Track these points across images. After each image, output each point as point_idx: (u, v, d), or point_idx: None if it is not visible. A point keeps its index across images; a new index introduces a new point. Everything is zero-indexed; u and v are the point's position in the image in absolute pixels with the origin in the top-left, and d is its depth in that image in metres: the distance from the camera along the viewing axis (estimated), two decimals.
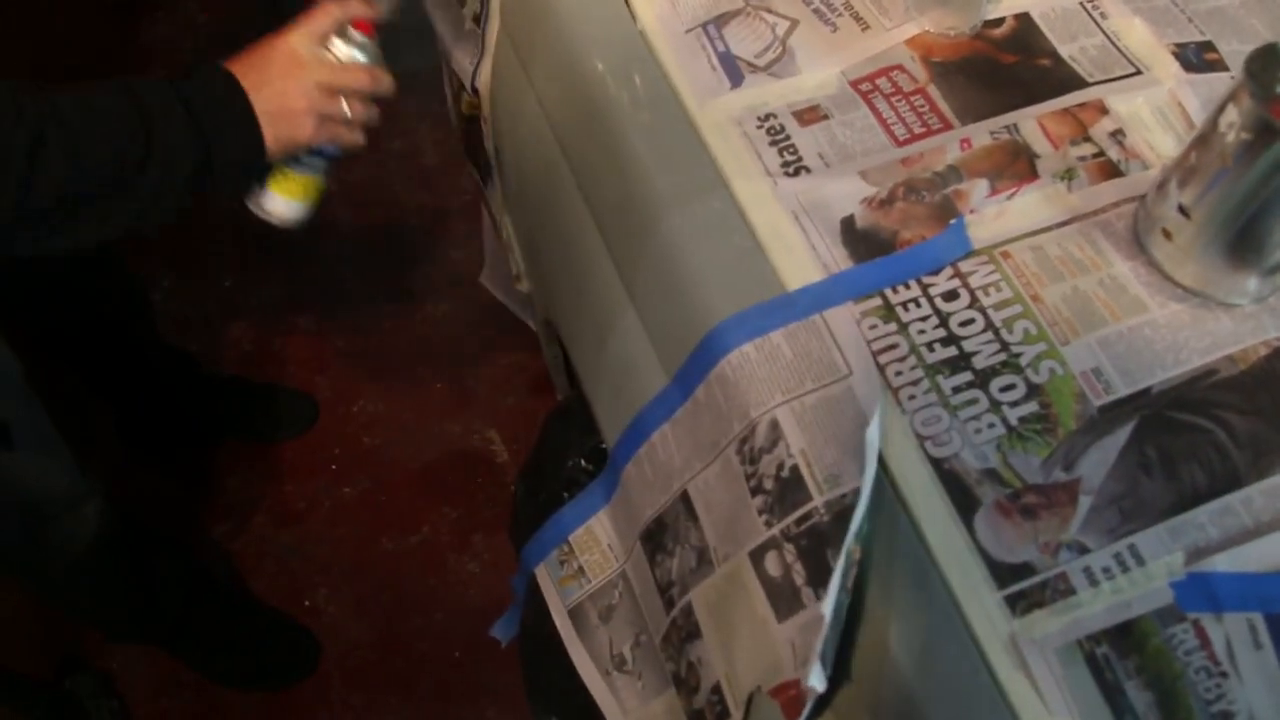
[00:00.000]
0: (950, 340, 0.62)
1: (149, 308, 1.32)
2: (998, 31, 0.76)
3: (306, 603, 1.38)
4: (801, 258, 0.66)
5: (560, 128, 0.83)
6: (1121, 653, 0.52)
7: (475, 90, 0.96)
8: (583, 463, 0.81)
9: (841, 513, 0.57)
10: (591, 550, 0.75)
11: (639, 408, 0.68)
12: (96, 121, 0.68)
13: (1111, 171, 0.69)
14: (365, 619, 1.37)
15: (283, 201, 0.83)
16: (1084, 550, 0.55)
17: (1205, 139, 0.60)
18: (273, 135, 0.76)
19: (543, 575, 0.78)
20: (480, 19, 0.93)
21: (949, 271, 0.65)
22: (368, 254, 1.64)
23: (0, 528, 0.96)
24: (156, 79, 0.73)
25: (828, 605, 0.52)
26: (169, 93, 0.72)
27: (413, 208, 1.68)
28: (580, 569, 0.75)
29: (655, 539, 0.68)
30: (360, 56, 0.80)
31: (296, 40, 0.77)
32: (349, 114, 0.79)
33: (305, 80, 0.76)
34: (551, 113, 0.84)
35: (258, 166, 0.79)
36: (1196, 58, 0.74)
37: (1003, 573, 0.55)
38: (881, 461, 0.58)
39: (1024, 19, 0.77)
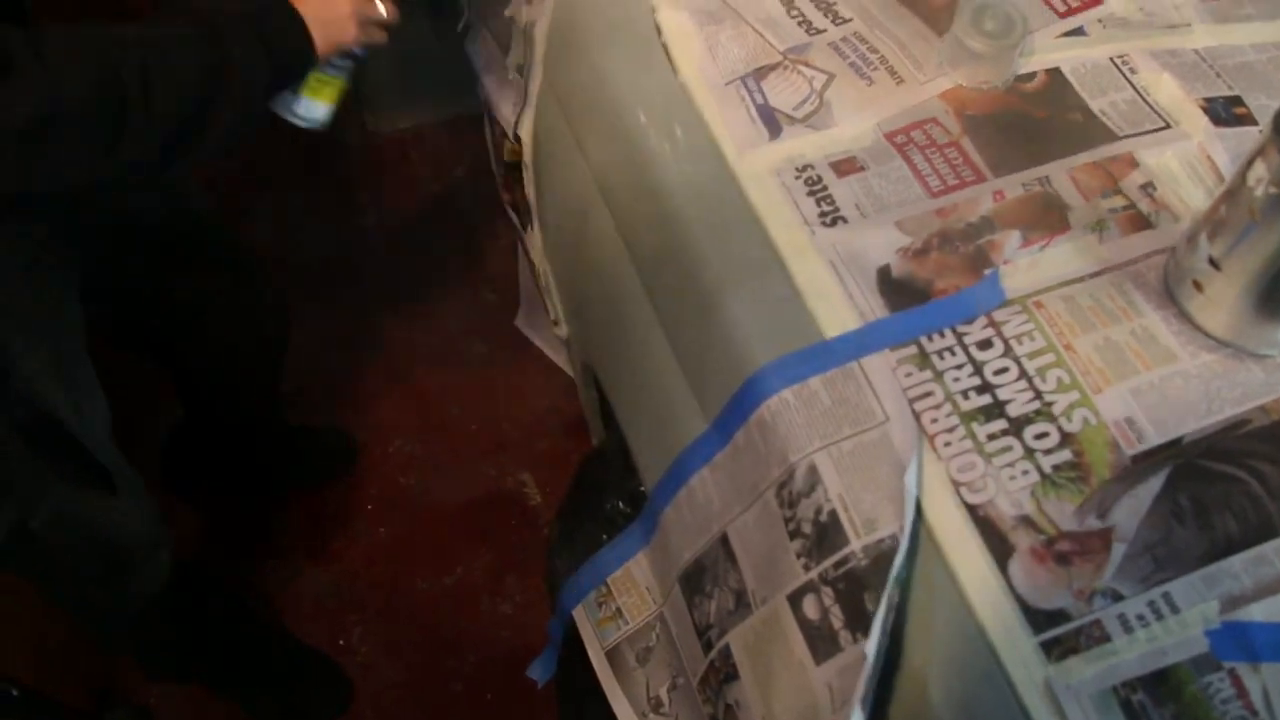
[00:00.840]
0: (985, 388, 0.64)
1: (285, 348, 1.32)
2: (1029, 86, 0.79)
3: (341, 641, 1.40)
4: (839, 306, 0.68)
5: (602, 176, 0.86)
6: (1157, 700, 0.54)
7: (518, 138, 0.99)
8: (621, 505, 0.83)
9: (879, 557, 0.58)
10: (630, 592, 0.77)
11: (678, 451, 0.70)
12: (183, 48, 0.74)
13: (1142, 223, 0.71)
14: (399, 659, 1.39)
15: (316, 105, 0.86)
16: (1118, 597, 0.56)
17: (1234, 193, 0.62)
18: (322, 40, 0.81)
19: (581, 616, 0.80)
20: (524, 70, 0.97)
21: (983, 321, 0.67)
22: (403, 295, 1.68)
23: (83, 570, 0.99)
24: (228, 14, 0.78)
25: (871, 645, 0.53)
26: (234, 5, 0.78)
27: (449, 251, 1.72)
28: (618, 610, 0.77)
29: (694, 581, 0.70)
30: None
31: None
32: (384, 13, 0.85)
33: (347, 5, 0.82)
34: (594, 162, 0.87)
35: (306, 71, 0.84)
36: (1225, 112, 0.76)
37: (1038, 618, 0.56)
38: (918, 507, 0.60)
39: (1055, 74, 0.79)
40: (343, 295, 1.66)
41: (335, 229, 1.74)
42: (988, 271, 0.69)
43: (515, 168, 1.05)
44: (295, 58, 0.81)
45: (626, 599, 0.77)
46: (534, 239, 1.06)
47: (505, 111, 1.03)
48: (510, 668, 1.30)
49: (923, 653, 0.58)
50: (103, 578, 1.01)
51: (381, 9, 0.85)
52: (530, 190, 1.03)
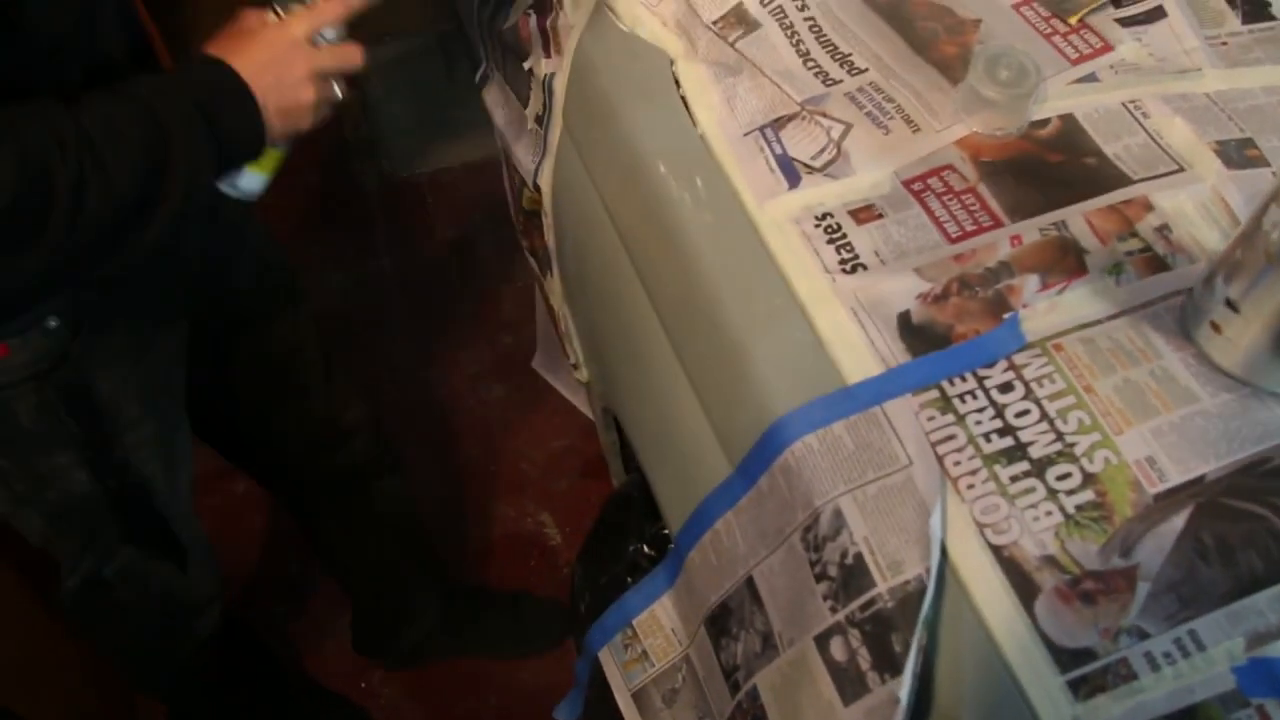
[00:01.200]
0: (1007, 430, 0.65)
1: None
2: (1043, 132, 0.81)
3: (363, 685, 1.41)
4: (861, 352, 0.70)
5: (623, 225, 0.88)
6: None
7: (537, 187, 1.02)
8: (644, 548, 0.84)
9: (905, 599, 0.59)
10: (655, 634, 0.78)
11: (702, 495, 0.72)
12: (123, 147, 0.68)
13: (1158, 266, 0.72)
14: (420, 701, 1.40)
15: (254, 178, 0.83)
16: (1144, 635, 0.57)
17: (1249, 236, 0.64)
18: (280, 130, 0.78)
19: (607, 658, 0.81)
20: (542, 120, 1.00)
21: (1004, 364, 0.68)
22: (420, 338, 1.70)
23: (145, 621, 1.02)
24: (171, 83, 0.74)
25: (904, 690, 0.54)
26: (186, 104, 0.73)
27: (465, 295, 1.75)
28: (644, 653, 0.78)
29: (720, 623, 0.71)
30: (333, 36, 0.82)
31: (299, 31, 0.78)
32: (340, 95, 0.82)
33: (311, 73, 0.78)
34: (614, 211, 0.89)
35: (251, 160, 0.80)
36: (1238, 154, 0.78)
37: (1064, 658, 0.57)
38: (943, 549, 0.61)
39: (1069, 119, 0.81)
40: (360, 339, 1.68)
41: (352, 273, 1.77)
42: (1007, 315, 0.70)
43: (534, 215, 1.07)
44: (245, 150, 0.78)
45: (652, 641, 0.78)
46: (553, 285, 1.08)
47: (524, 161, 1.05)
48: (530, 709, 1.30)
49: (952, 694, 0.59)
50: (162, 628, 1.03)
51: (338, 91, 0.82)
52: (550, 238, 1.05)
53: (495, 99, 1.15)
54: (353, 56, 0.81)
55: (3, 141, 0.63)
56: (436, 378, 1.66)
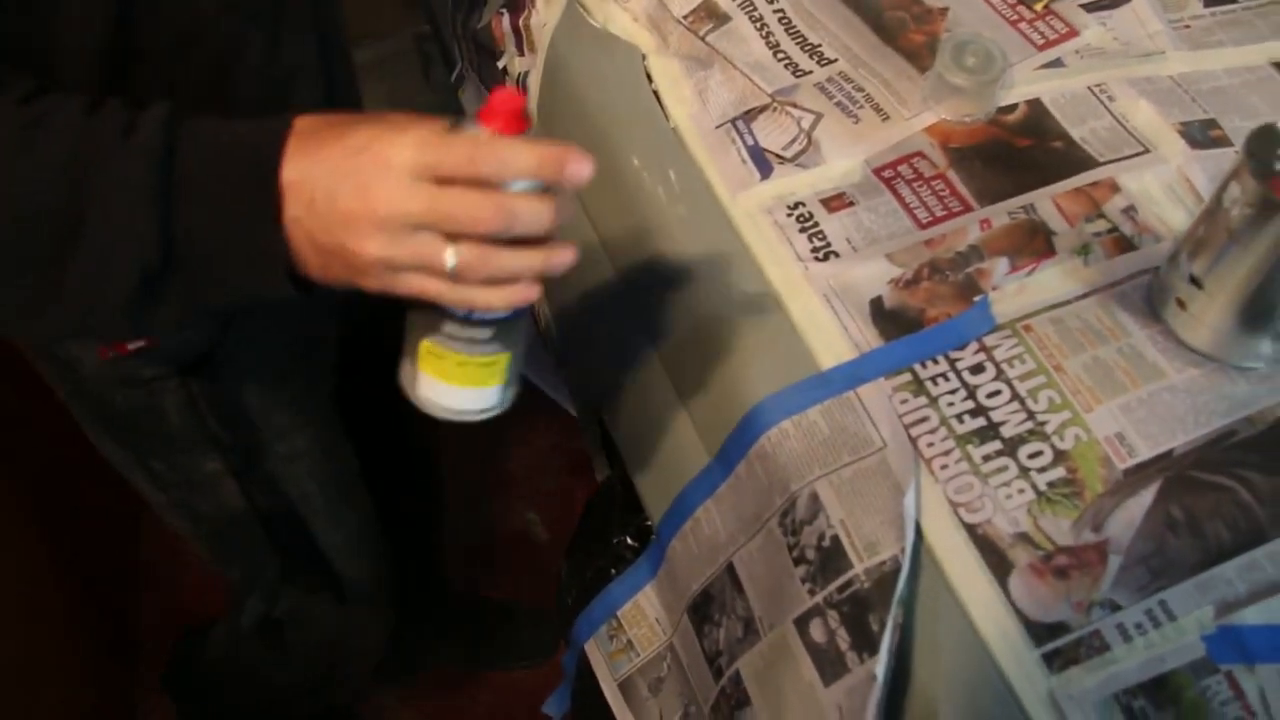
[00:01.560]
0: (979, 411, 0.66)
1: None
2: (1011, 117, 0.82)
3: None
4: (834, 338, 0.71)
5: (599, 219, 0.89)
6: (1158, 705, 0.56)
7: None
8: (628, 540, 0.85)
9: (881, 579, 0.60)
10: (640, 624, 0.78)
11: (682, 485, 0.73)
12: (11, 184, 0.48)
13: (1125, 246, 0.74)
14: (411, 703, 1.40)
15: (438, 386, 0.57)
16: (1116, 608, 0.58)
17: (1211, 214, 0.65)
18: (325, 274, 0.51)
19: (593, 649, 0.82)
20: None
21: (974, 346, 0.69)
22: (401, 341, 1.70)
23: (310, 665, 1.00)
24: (150, 119, 0.49)
25: (879, 667, 0.55)
26: (139, 161, 0.48)
27: None
28: (629, 643, 0.79)
29: (702, 611, 0.72)
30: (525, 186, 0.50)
31: (402, 155, 0.48)
32: (451, 264, 0.49)
33: (378, 229, 0.48)
34: (590, 205, 0.90)
35: (300, 297, 0.53)
36: (1201, 135, 0.79)
37: (1039, 631, 0.58)
38: (918, 529, 0.62)
39: (1035, 104, 0.82)
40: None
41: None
42: (977, 298, 0.71)
43: None
44: (247, 280, 0.52)
45: (637, 631, 0.79)
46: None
47: None
48: (520, 704, 1.31)
49: (929, 671, 0.60)
50: (325, 672, 1.02)
51: (449, 257, 0.49)
52: None
53: (472, 99, 1.16)
54: (501, 218, 0.48)
55: None
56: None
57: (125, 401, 0.77)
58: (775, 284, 0.74)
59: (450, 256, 0.48)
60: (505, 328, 0.55)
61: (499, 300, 0.51)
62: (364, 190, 0.47)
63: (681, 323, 0.77)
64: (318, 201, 0.48)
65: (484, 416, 0.59)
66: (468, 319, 0.54)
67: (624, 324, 0.84)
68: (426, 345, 0.56)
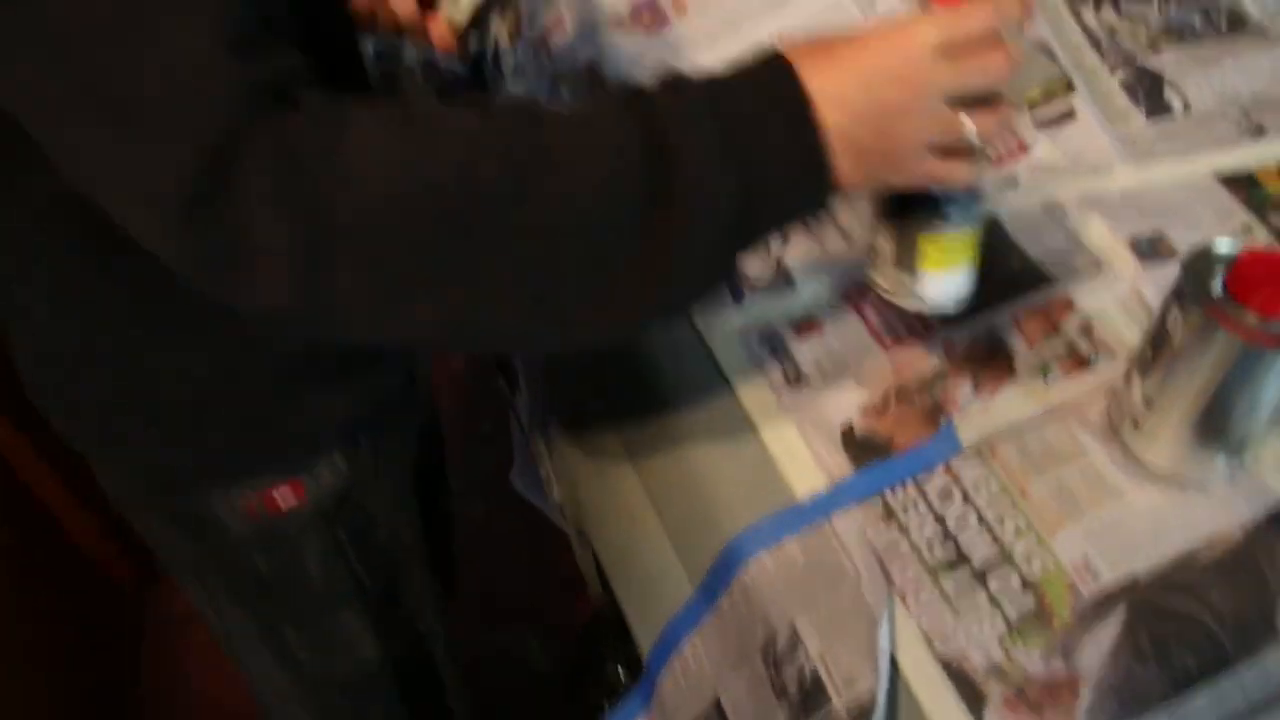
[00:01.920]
0: (948, 538, 0.68)
1: None
2: None
3: None
4: (807, 466, 0.73)
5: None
6: None
7: None
8: (620, 671, 0.85)
9: (859, 713, 0.62)
10: None
11: (669, 615, 0.74)
12: (584, 166, 0.49)
13: (1083, 364, 0.76)
14: None
15: (945, 278, 0.66)
16: None
17: (1156, 335, 0.67)
18: (856, 178, 0.55)
19: None
20: None
21: (942, 470, 0.71)
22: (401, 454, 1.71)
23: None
24: (689, 91, 0.52)
25: None
26: (705, 125, 0.51)
27: (440, 411, 1.76)
28: None
29: None
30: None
31: (927, 37, 0.53)
32: (975, 138, 0.56)
33: (923, 110, 0.54)
34: None
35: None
36: (1149, 249, 0.82)
37: None
38: (894, 662, 0.63)
39: (993, 224, 0.85)
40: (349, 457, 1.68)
41: None
42: (944, 421, 0.73)
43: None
44: (799, 206, 0.56)
45: None
46: (523, 402, 1.11)
47: None
48: None
49: None
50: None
51: (972, 130, 0.56)
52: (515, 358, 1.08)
53: None
54: (1004, 65, 0.55)
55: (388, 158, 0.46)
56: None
57: (266, 563, 0.74)
58: (750, 410, 0.76)
59: (969, 124, 0.55)
60: (983, 199, 0.65)
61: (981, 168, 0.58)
62: (900, 78, 0.53)
63: (662, 450, 0.79)
64: (855, 101, 0.53)
65: (955, 303, 0.68)
66: (966, 198, 0.62)
67: (607, 449, 0.85)
68: (928, 241, 0.64)
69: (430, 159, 0.47)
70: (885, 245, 0.67)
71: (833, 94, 0.53)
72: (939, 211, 0.63)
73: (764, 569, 0.68)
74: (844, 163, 0.54)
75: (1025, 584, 0.66)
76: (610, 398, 0.85)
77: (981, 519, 0.69)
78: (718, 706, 0.69)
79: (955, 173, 0.57)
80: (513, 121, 0.50)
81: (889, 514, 0.70)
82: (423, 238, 0.47)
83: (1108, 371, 0.75)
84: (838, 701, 0.63)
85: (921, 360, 0.77)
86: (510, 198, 0.48)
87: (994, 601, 0.65)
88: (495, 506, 1.62)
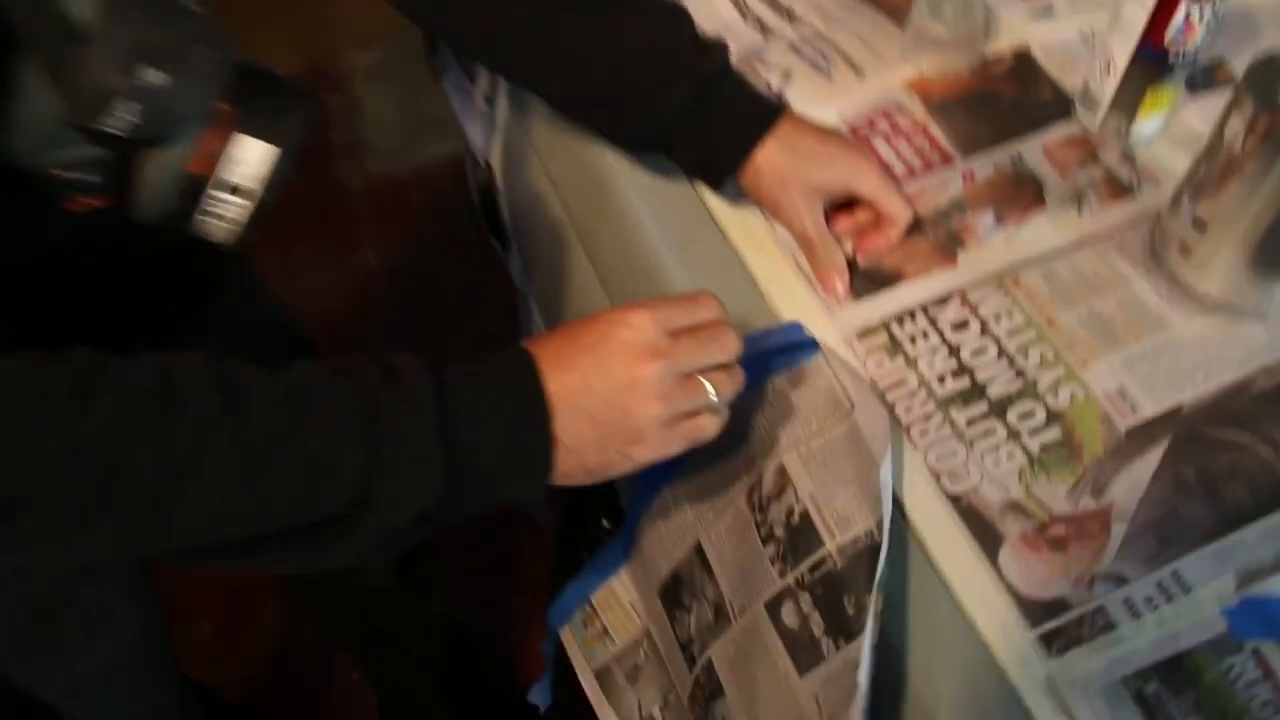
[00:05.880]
0: (962, 371, 0.57)
1: None
2: (998, 67, 0.72)
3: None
4: (801, 300, 0.62)
5: (566, 196, 0.80)
6: (1175, 689, 0.46)
7: (488, 165, 0.95)
8: (604, 523, 0.76)
9: (855, 557, 0.51)
10: (614, 609, 0.70)
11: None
12: (298, 453, 0.42)
13: (1122, 192, 0.64)
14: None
15: None
16: (1122, 580, 0.49)
17: (1213, 152, 0.56)
18: (592, 462, 0.49)
19: (568, 637, 0.73)
20: (490, 99, 0.92)
21: (957, 301, 0.60)
22: (407, 335, 1.63)
23: None
24: (413, 389, 0.45)
25: (863, 674, 0.47)
26: (426, 432, 0.44)
27: (451, 286, 1.67)
28: (604, 629, 0.70)
29: (673, 595, 0.63)
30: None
31: (646, 316, 0.49)
32: (714, 397, 0.49)
33: (653, 398, 0.48)
34: (558, 182, 0.82)
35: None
36: (1204, 78, 0.70)
37: (1035, 611, 0.49)
38: (897, 502, 0.53)
39: (1024, 54, 0.73)
40: (344, 336, 1.61)
41: (336, 272, 1.71)
42: (959, 252, 0.62)
43: (491, 195, 1.00)
44: (495, 497, 0.48)
45: (611, 616, 0.70)
46: (515, 262, 1.01)
47: (476, 140, 0.98)
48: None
49: (919, 660, 0.50)
50: None
51: (711, 390, 0.49)
52: (505, 215, 0.98)
53: (452, 83, 1.08)
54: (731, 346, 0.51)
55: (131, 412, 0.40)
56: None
57: None
58: (739, 244, 0.65)
59: (709, 389, 0.49)
60: None
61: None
62: (629, 358, 0.47)
63: (648, 294, 0.68)
64: (594, 388, 0.47)
65: None
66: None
67: (592, 302, 0.75)
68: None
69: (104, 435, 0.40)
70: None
71: (565, 387, 0.47)
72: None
73: (749, 407, 0.58)
74: (580, 450, 0.48)
75: (1051, 416, 0.54)
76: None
77: (1002, 350, 0.57)
78: (699, 553, 0.59)
79: (704, 432, 0.50)
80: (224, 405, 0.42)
81: (894, 346, 0.58)
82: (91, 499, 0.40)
83: (1152, 199, 0.63)
84: (830, 544, 0.52)
85: (937, 191, 0.66)
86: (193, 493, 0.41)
87: (1013, 435, 0.54)
88: None
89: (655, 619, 0.66)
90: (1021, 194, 0.65)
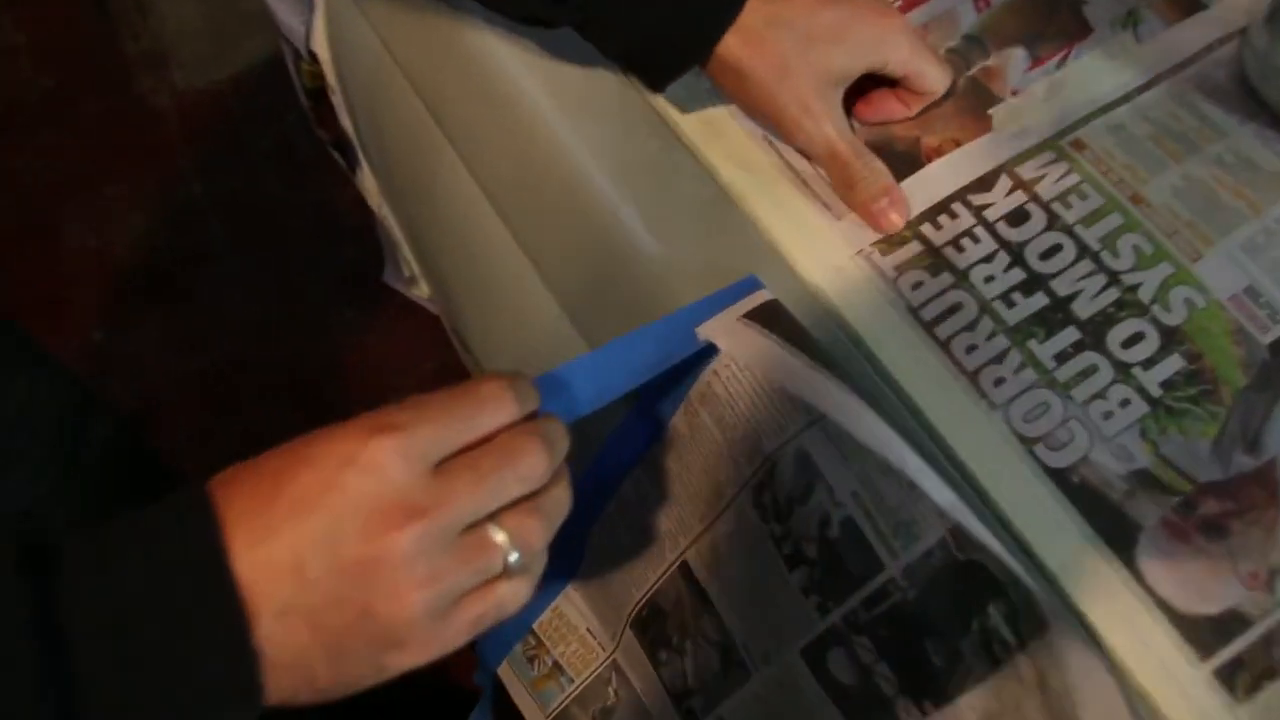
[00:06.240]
0: (1033, 282, 0.40)
1: None
2: None
3: None
4: (786, 200, 0.43)
5: (421, 79, 0.59)
6: None
7: (313, 56, 0.71)
8: None
9: (934, 578, 0.35)
10: (567, 639, 0.53)
11: (594, 450, 0.45)
12: None
13: (1190, 4, 0.47)
14: None
15: None
16: None
17: None
18: (323, 676, 0.30)
19: (509, 678, 0.56)
20: None
21: (1006, 183, 0.42)
22: (250, 269, 1.38)
23: None
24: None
25: None
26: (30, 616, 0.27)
27: (295, 210, 1.41)
28: (557, 665, 0.53)
29: (652, 629, 0.46)
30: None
31: (390, 446, 0.30)
32: (514, 557, 0.32)
33: (410, 581, 0.30)
34: (408, 66, 0.60)
35: None
36: None
37: (1200, 632, 0.34)
38: (975, 486, 0.36)
39: None
40: (182, 289, 1.35)
41: (157, 212, 1.42)
42: (992, 110, 0.44)
43: (320, 94, 0.77)
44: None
45: (565, 649, 0.53)
46: (366, 179, 0.79)
47: (292, 24, 0.74)
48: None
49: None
50: None
51: (508, 547, 0.32)
52: (345, 120, 0.75)
53: None
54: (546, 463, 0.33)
55: None
56: (275, 314, 1.34)
57: None
58: (689, 137, 0.46)
59: (503, 536, 0.31)
60: None
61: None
62: (366, 523, 0.29)
63: (555, 204, 0.48)
64: (311, 574, 0.29)
65: None
66: None
67: (473, 219, 0.55)
68: None
69: None
70: None
71: (268, 567, 0.28)
72: None
73: (739, 367, 0.40)
74: (301, 663, 0.29)
75: (1166, 337, 0.38)
76: None
77: (1081, 246, 0.41)
78: (686, 575, 0.42)
79: (504, 609, 0.32)
80: None
81: (935, 258, 0.41)
82: None
83: (1232, 10, 0.46)
84: (893, 565, 0.36)
85: (945, 27, 0.47)
86: None
87: (1121, 370, 0.38)
88: (368, 310, 1.32)
89: (626, 650, 0.49)
90: (1056, 18, 0.47)
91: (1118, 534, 0.35)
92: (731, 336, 0.38)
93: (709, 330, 0.39)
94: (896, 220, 0.41)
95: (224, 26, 1.52)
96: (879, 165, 0.42)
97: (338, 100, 0.73)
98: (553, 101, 0.48)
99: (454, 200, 0.58)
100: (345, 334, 1.34)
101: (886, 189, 0.42)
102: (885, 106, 0.44)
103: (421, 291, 0.81)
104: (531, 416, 0.33)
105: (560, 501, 0.33)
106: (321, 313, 1.34)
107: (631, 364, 0.37)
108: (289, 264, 1.38)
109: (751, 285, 0.40)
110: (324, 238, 1.39)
